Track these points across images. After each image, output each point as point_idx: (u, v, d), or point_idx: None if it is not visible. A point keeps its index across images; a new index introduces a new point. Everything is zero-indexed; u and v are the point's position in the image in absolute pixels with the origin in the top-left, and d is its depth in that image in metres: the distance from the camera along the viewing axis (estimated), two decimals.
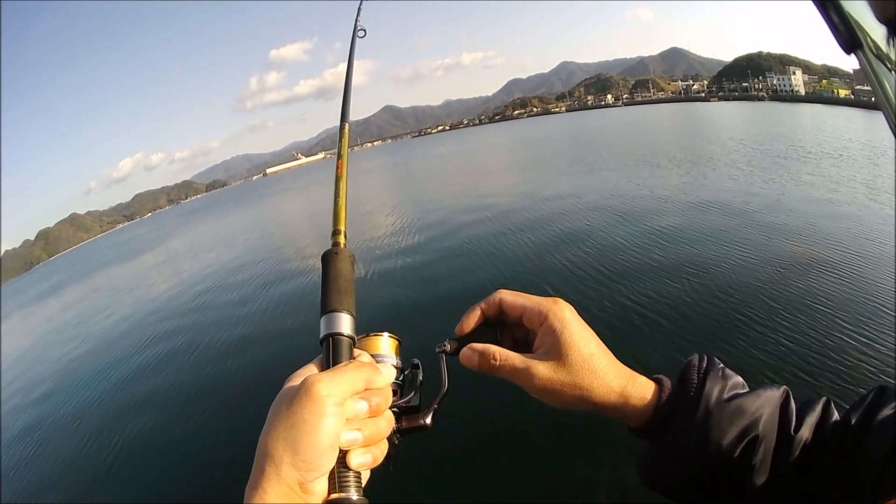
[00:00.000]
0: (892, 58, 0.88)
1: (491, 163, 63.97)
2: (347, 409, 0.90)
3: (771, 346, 9.98)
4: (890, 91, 0.91)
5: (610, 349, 1.17)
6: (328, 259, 1.11)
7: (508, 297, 1.20)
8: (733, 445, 1.10)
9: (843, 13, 0.90)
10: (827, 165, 29.24)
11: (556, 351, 1.11)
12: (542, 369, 1.10)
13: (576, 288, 14.26)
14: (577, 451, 8.04)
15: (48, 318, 42.44)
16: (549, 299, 1.17)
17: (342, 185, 1.21)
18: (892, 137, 0.90)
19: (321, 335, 1.03)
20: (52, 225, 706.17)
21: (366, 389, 0.94)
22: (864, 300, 11.38)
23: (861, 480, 1.03)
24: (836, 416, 1.18)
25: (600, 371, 1.12)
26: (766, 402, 1.14)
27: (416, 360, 1.17)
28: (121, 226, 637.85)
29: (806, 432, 1.13)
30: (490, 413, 8.84)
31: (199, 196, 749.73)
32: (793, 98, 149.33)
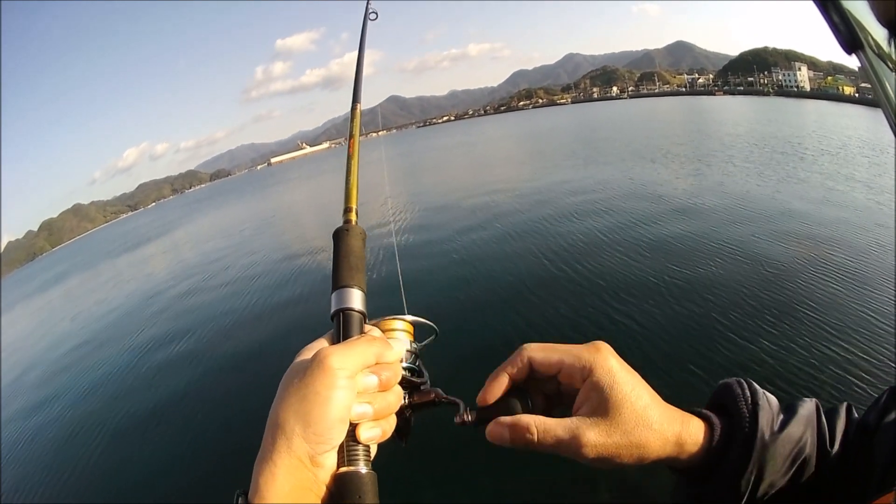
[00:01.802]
0: (893, 58, 0.87)
1: (495, 155, 63.21)
2: (358, 383, 0.89)
3: (772, 348, 9.80)
4: (891, 91, 0.91)
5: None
6: (340, 236, 1.11)
7: (539, 353, 1.07)
8: (786, 474, 1.07)
9: (843, 13, 0.89)
10: (824, 162, 29.19)
11: (605, 409, 1.00)
12: (593, 435, 0.98)
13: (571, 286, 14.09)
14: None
15: (51, 306, 42.80)
16: (590, 348, 1.06)
17: (354, 163, 1.21)
18: (893, 137, 0.91)
19: (332, 310, 1.02)
20: (55, 216, 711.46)
21: (376, 364, 0.94)
22: (866, 300, 11.21)
23: (865, 479, 1.02)
24: (856, 419, 1.17)
25: (656, 423, 1.01)
26: (807, 424, 1.11)
27: (427, 341, 1.18)
28: (125, 216, 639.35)
29: (837, 445, 1.11)
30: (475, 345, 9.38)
31: (203, 186, 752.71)
32: (798, 94, 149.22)
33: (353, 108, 1.38)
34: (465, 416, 1.08)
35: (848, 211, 18.31)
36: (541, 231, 19.84)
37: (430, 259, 17.86)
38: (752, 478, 1.03)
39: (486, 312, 13.26)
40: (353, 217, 1.16)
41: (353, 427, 0.88)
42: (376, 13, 1.76)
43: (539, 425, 1.00)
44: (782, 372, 8.89)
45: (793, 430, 1.08)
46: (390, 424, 0.96)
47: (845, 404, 1.18)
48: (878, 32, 0.87)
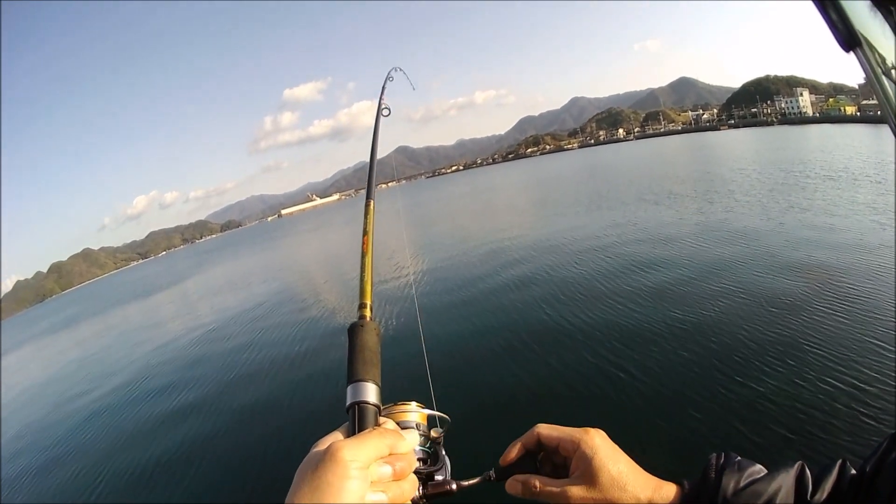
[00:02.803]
0: (892, 56, 0.89)
1: (501, 204, 63.71)
2: (372, 473, 0.94)
3: (777, 389, 9.74)
4: (889, 88, 0.92)
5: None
6: (354, 331, 1.16)
7: (545, 430, 1.33)
8: None
9: (841, 11, 0.90)
10: (827, 189, 29.12)
11: (588, 473, 1.23)
12: (576, 491, 1.23)
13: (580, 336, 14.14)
14: None
15: (59, 352, 42.68)
16: (581, 430, 1.30)
17: (368, 260, 1.29)
18: (892, 136, 0.90)
19: (347, 403, 1.07)
20: (65, 259, 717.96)
21: (390, 455, 0.99)
22: (872, 329, 11.14)
23: None
24: (852, 471, 1.24)
25: (629, 486, 1.23)
26: (781, 480, 1.22)
27: (446, 429, 1.26)
28: (134, 263, 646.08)
29: (823, 494, 1.19)
30: (504, 432, 8.23)
31: (214, 236, 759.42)
32: (801, 120, 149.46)
33: (367, 204, 1.46)
34: (491, 475, 1.32)
35: (851, 236, 18.44)
36: (544, 281, 20.08)
37: (451, 330, 17.03)
38: None
39: (498, 373, 13.20)
40: (368, 313, 1.21)
41: None
42: (389, 109, 1.83)
43: (540, 483, 1.27)
44: (787, 413, 8.83)
45: (760, 486, 1.21)
46: None
47: (839, 460, 1.26)
48: (876, 30, 0.88)
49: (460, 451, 1.32)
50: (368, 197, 1.49)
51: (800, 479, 1.24)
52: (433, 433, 1.24)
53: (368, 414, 1.06)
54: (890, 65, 0.92)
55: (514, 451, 1.35)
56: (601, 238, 26.00)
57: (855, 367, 9.72)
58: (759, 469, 1.28)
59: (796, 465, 1.26)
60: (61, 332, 56.82)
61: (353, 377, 1.10)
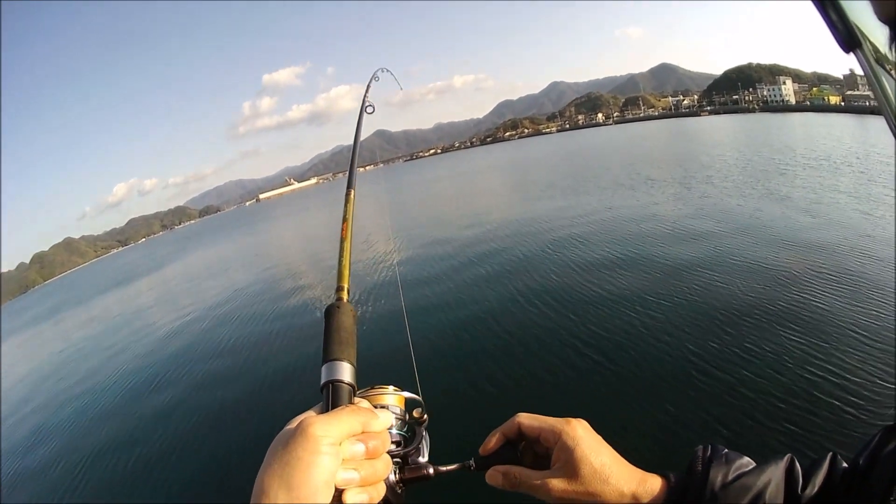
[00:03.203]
0: (892, 57, 0.88)
1: (479, 188, 63.38)
2: (344, 450, 0.93)
3: (753, 378, 9.44)
4: (889, 90, 0.92)
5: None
6: (331, 312, 1.17)
7: (526, 420, 1.30)
8: None
9: (842, 12, 0.91)
10: (807, 176, 29.06)
11: (570, 465, 1.20)
12: (557, 483, 1.20)
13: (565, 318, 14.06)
14: None
15: (42, 342, 42.78)
16: (563, 420, 1.27)
17: (346, 246, 1.31)
18: (892, 136, 0.92)
19: (322, 382, 1.07)
20: (47, 249, 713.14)
21: (363, 432, 0.98)
22: (854, 318, 10.94)
23: None
24: (843, 465, 1.23)
25: (612, 479, 1.20)
26: (771, 474, 1.20)
27: (423, 413, 1.22)
28: (115, 251, 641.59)
29: (814, 488, 1.18)
30: (486, 420, 7.46)
31: (192, 222, 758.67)
32: (783, 108, 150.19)
33: (347, 194, 1.49)
34: (471, 464, 1.30)
35: (832, 225, 18.32)
36: (522, 268, 19.83)
37: (435, 316, 16.86)
38: None
39: (480, 360, 13.07)
40: (345, 295, 1.23)
41: (339, 492, 0.90)
42: (373, 106, 1.89)
43: (521, 474, 1.24)
44: (765, 403, 8.67)
45: (749, 479, 1.19)
46: (378, 492, 0.99)
47: (829, 454, 1.25)
48: (876, 31, 0.88)
49: (442, 437, 1.36)
50: (349, 186, 1.53)
51: (789, 473, 1.22)
52: (414, 414, 1.22)
53: (342, 393, 1.06)
54: (890, 65, 0.91)
55: (493, 441, 1.32)
56: (577, 224, 25.71)
57: (834, 357, 9.61)
58: (747, 462, 1.26)
59: (785, 458, 1.25)
60: (44, 324, 56.64)
61: (328, 357, 1.10)
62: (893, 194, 20.41)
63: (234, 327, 22.73)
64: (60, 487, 12.94)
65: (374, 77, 2.35)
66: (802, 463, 1.24)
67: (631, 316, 13.16)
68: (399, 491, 1.12)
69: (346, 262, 1.27)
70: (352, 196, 1.46)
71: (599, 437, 1.27)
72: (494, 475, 1.27)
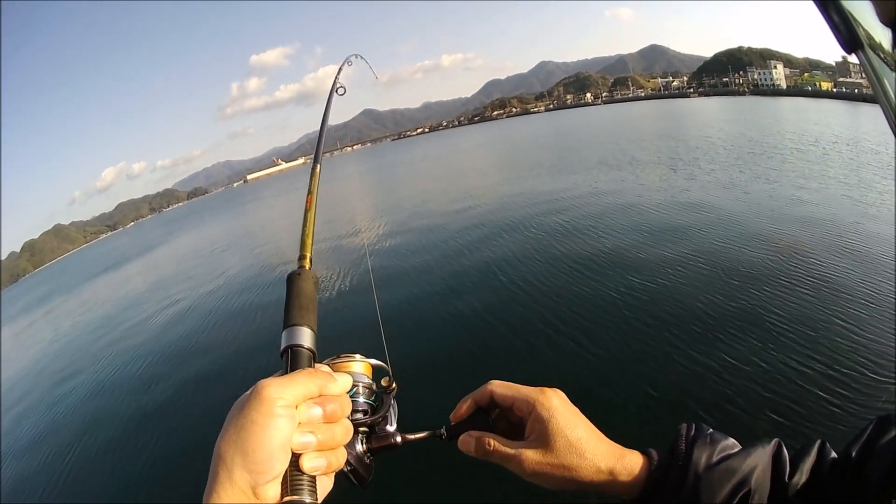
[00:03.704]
0: (893, 57, 0.89)
1: (464, 167, 62.94)
2: (301, 414, 0.91)
3: (736, 364, 9.15)
4: (890, 90, 0.92)
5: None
6: (292, 279, 1.16)
7: (498, 388, 1.27)
8: (726, 502, 1.13)
9: (843, 12, 0.90)
10: (795, 160, 28.62)
11: (544, 438, 1.18)
12: (531, 455, 1.17)
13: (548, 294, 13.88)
14: None
15: (34, 328, 42.69)
16: (537, 389, 1.24)
17: (310, 216, 1.32)
18: (893, 135, 0.91)
19: (281, 348, 1.05)
20: (37, 237, 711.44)
21: (320, 395, 0.96)
22: (839, 307, 10.57)
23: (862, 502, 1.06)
24: (832, 454, 1.20)
25: (588, 453, 1.17)
26: (757, 458, 1.17)
27: (391, 381, 1.21)
28: (104, 236, 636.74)
29: (802, 476, 1.15)
30: (457, 390, 7.17)
31: (180, 204, 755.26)
32: (774, 92, 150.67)
33: (313, 168, 1.54)
34: (442, 432, 1.28)
35: (820, 210, 17.91)
36: (501, 243, 19.72)
37: (407, 290, 16.82)
38: (688, 499, 1.15)
39: (453, 331, 13.16)
40: (307, 263, 1.22)
41: (296, 457, 0.88)
42: (344, 88, 1.91)
43: (495, 443, 1.21)
44: (747, 389, 8.46)
45: (735, 462, 1.16)
46: (338, 458, 0.97)
47: (818, 441, 1.22)
48: (878, 32, 0.88)
49: (411, 407, 1.38)
50: (315, 161, 1.59)
51: (776, 458, 1.19)
52: (382, 383, 1.21)
53: (302, 357, 1.04)
54: (892, 65, 0.91)
55: (465, 407, 1.30)
56: (559, 202, 25.19)
57: (821, 345, 9.30)
58: (732, 443, 1.24)
59: (773, 443, 1.23)
60: (35, 311, 56.39)
61: (288, 322, 1.09)
62: (894, 189, 19.57)
63: (216, 305, 22.75)
64: (53, 471, 12.67)
65: (347, 61, 2.32)
66: (790, 449, 1.21)
67: (613, 297, 12.76)
68: (368, 461, 1.11)
69: (309, 231, 1.28)
70: (317, 170, 1.50)
71: (576, 409, 1.24)
72: (467, 441, 1.24)
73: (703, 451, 1.18)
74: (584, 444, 1.18)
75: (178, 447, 11.25)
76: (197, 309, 23.40)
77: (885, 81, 0.91)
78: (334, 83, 1.89)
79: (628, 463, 1.19)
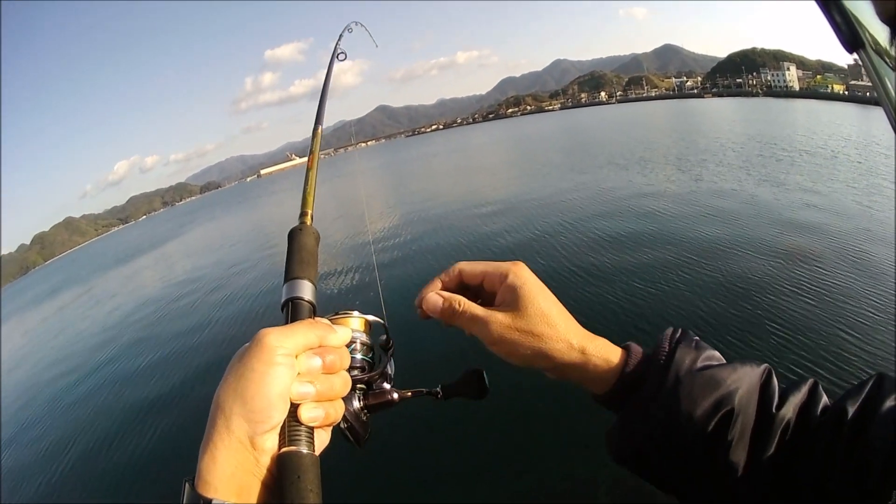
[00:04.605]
0: (894, 56, 0.88)
1: (476, 165, 62.21)
2: (300, 364, 0.91)
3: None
4: (891, 90, 0.92)
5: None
6: (294, 234, 1.18)
7: (467, 266, 1.23)
8: (706, 418, 1.06)
9: (845, 12, 0.91)
10: (803, 163, 28.53)
11: (514, 303, 1.14)
12: (500, 317, 1.12)
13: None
14: (575, 450, 7.94)
15: (44, 320, 42.80)
16: (509, 262, 1.20)
17: (312, 175, 1.33)
18: (894, 135, 0.91)
19: (282, 300, 1.07)
20: (47, 229, 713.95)
21: (320, 346, 0.96)
22: (841, 313, 10.51)
23: (864, 473, 0.98)
24: (825, 399, 1.12)
25: (560, 326, 1.13)
26: (744, 377, 1.11)
27: (389, 339, 1.23)
28: (115, 229, 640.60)
29: (789, 412, 1.08)
30: (486, 415, 8.82)
31: (193, 198, 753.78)
32: (786, 94, 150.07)
33: (315, 130, 1.55)
34: (437, 392, 1.24)
35: (827, 215, 17.72)
36: (500, 238, 19.93)
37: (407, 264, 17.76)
38: (665, 408, 1.08)
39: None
40: (308, 220, 1.23)
41: (294, 407, 0.89)
42: (345, 53, 1.94)
43: (464, 303, 1.16)
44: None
45: (720, 373, 1.10)
46: (336, 410, 0.97)
47: (810, 380, 1.15)
48: (880, 32, 0.88)
49: (408, 365, 1.39)
50: (317, 123, 1.58)
51: (765, 384, 1.12)
52: (380, 340, 1.22)
53: (303, 309, 1.05)
54: (892, 65, 0.91)
55: (431, 288, 1.24)
56: (564, 201, 25.38)
57: (821, 353, 9.21)
58: (717, 356, 1.18)
59: (762, 367, 1.15)
60: (44, 304, 56.37)
61: (289, 276, 1.10)
62: (894, 188, 19.88)
63: (222, 300, 23.08)
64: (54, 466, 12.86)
65: (347, 28, 2.21)
66: (779, 379, 1.14)
67: (610, 299, 12.84)
68: (364, 418, 1.10)
69: (311, 189, 1.28)
70: (319, 131, 1.51)
71: (546, 287, 1.19)
72: (435, 299, 1.19)
73: (687, 353, 1.13)
74: (556, 316, 1.13)
75: (186, 428, 11.76)
76: (204, 303, 23.76)
77: (887, 81, 0.91)
78: (335, 48, 1.94)
79: (602, 346, 1.15)
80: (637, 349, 1.19)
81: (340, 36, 2.03)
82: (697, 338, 1.20)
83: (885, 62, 0.91)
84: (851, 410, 1.04)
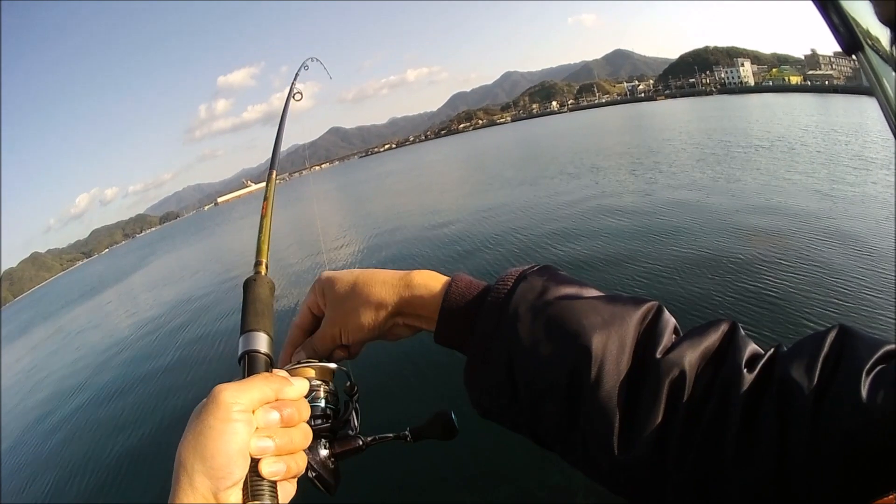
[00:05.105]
0: (894, 58, 0.86)
1: (427, 182, 62.61)
2: (258, 419, 0.90)
3: None
4: (890, 91, 0.89)
5: None
6: (248, 285, 1.15)
7: (303, 307, 1.26)
8: (557, 361, 0.92)
9: (843, 13, 0.89)
10: (759, 158, 28.05)
11: (324, 302, 1.19)
12: (325, 322, 1.17)
13: None
14: (550, 457, 4.40)
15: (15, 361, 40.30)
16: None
17: (266, 222, 1.30)
18: (893, 136, 0.86)
19: (239, 353, 1.04)
20: (15, 265, 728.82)
21: (277, 400, 0.94)
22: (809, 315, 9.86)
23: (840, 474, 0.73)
24: (751, 348, 0.89)
25: (375, 274, 1.16)
26: (617, 314, 0.94)
27: (352, 385, 1.21)
28: (80, 263, 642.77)
29: (686, 359, 0.87)
30: (460, 424, 5.81)
31: (153, 229, 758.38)
32: (742, 89, 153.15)
33: (269, 174, 1.51)
34: (406, 435, 1.20)
35: (785, 207, 17.27)
36: (455, 258, 19.06)
37: None
38: (506, 350, 0.97)
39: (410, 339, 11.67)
40: (263, 269, 1.19)
41: (255, 462, 0.87)
42: (301, 94, 1.91)
43: (280, 377, 0.98)
44: None
45: (575, 305, 0.96)
46: (298, 463, 0.94)
47: (725, 322, 0.93)
48: (879, 32, 0.87)
49: (373, 410, 1.41)
50: (272, 168, 1.56)
51: (652, 323, 0.94)
52: (344, 387, 1.20)
53: (258, 363, 1.02)
54: (892, 65, 0.88)
55: (291, 342, 1.25)
56: (516, 214, 24.48)
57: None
58: (595, 290, 1.02)
59: (649, 304, 0.98)
60: (17, 341, 53.74)
61: (245, 328, 1.07)
62: (893, 189, 18.28)
63: (184, 326, 22.90)
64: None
65: (304, 66, 2.18)
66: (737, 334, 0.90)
67: None
68: (332, 466, 1.10)
69: (265, 237, 1.25)
70: (273, 176, 1.49)
71: (347, 271, 1.20)
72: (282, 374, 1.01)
73: (533, 283, 1.00)
74: (360, 281, 1.15)
75: (151, 460, 11.32)
76: (166, 332, 23.17)
77: (885, 81, 0.89)
78: (291, 88, 1.86)
79: (423, 277, 1.13)
80: (466, 278, 1.11)
81: (296, 75, 2.01)
82: (565, 273, 1.06)
83: (885, 62, 0.88)
84: (806, 384, 0.79)
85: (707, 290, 11.53)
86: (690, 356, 0.86)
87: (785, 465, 0.75)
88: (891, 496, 0.74)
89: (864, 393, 0.72)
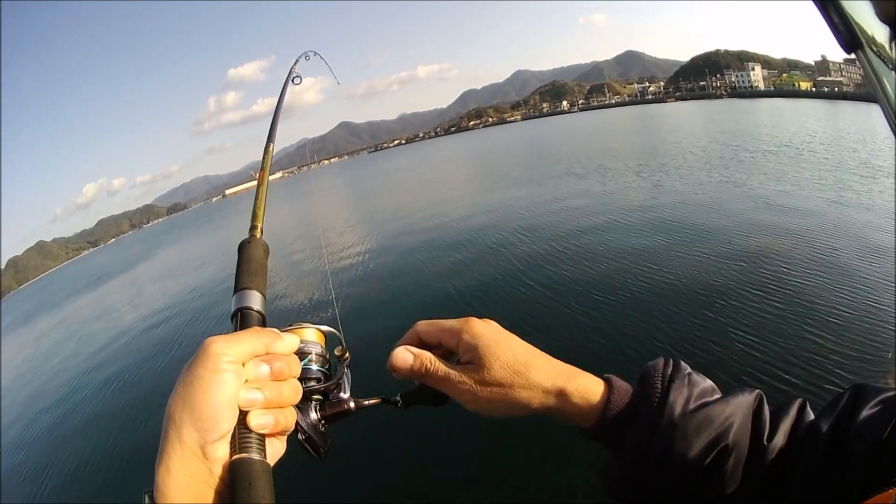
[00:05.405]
0: (893, 57, 0.89)
1: (435, 178, 62.32)
2: (248, 371, 0.90)
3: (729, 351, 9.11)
4: (890, 90, 0.91)
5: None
6: (243, 246, 1.19)
7: (424, 327, 1.23)
8: (701, 456, 1.08)
9: (843, 13, 0.90)
10: (767, 162, 27.97)
11: (477, 360, 1.13)
12: (467, 377, 1.13)
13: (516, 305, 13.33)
14: (550, 457, 7.69)
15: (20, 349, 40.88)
16: (461, 319, 1.20)
17: (262, 190, 1.35)
18: (893, 136, 0.91)
19: (232, 311, 1.07)
20: (20, 253, 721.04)
21: (267, 353, 0.95)
22: (812, 324, 9.71)
23: (844, 484, 1.00)
24: (811, 417, 1.15)
25: (532, 372, 1.13)
26: (737, 410, 1.12)
27: (344, 350, 1.20)
28: (85, 252, 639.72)
29: (780, 440, 1.10)
30: (458, 423, 8.38)
31: (160, 220, 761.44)
32: (752, 94, 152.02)
33: (267, 147, 1.57)
34: (397, 401, 1.23)
35: (793, 214, 17.00)
36: (458, 253, 19.26)
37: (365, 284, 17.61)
38: (661, 450, 1.09)
39: (402, 306, 14.28)
40: (258, 233, 1.25)
41: (243, 415, 0.88)
42: (300, 77, 1.99)
43: (434, 361, 1.15)
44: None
45: (714, 411, 1.10)
46: (286, 417, 0.96)
47: (798, 401, 1.18)
48: (879, 32, 0.88)
49: (365, 376, 1.44)
50: (269, 140, 1.61)
51: (757, 414, 1.14)
52: (336, 351, 1.20)
53: (251, 319, 1.05)
54: (891, 65, 0.91)
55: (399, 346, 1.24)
56: (522, 214, 24.38)
57: (790, 361, 8.65)
58: (711, 388, 1.18)
59: (754, 395, 1.17)
60: (20, 330, 55.01)
61: (239, 286, 1.10)
62: (893, 190, 18.53)
63: (189, 319, 22.80)
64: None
65: (304, 55, 2.21)
66: (770, 405, 1.16)
67: (570, 311, 12.09)
68: (323, 429, 1.09)
69: (261, 202, 1.30)
70: (270, 149, 1.54)
71: (509, 333, 1.19)
72: (405, 356, 1.17)
73: (680, 393, 1.12)
74: (522, 361, 1.13)
75: (153, 456, 11.07)
76: (171, 325, 23.02)
77: (885, 81, 0.91)
78: (290, 72, 1.92)
79: (582, 386, 1.15)
80: (620, 385, 1.17)
81: (297, 61, 2.06)
82: (689, 370, 1.18)
83: (884, 62, 0.90)
84: (825, 426, 1.07)
85: (707, 290, 11.59)
86: (783, 436, 1.07)
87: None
88: (890, 490, 0.85)
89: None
